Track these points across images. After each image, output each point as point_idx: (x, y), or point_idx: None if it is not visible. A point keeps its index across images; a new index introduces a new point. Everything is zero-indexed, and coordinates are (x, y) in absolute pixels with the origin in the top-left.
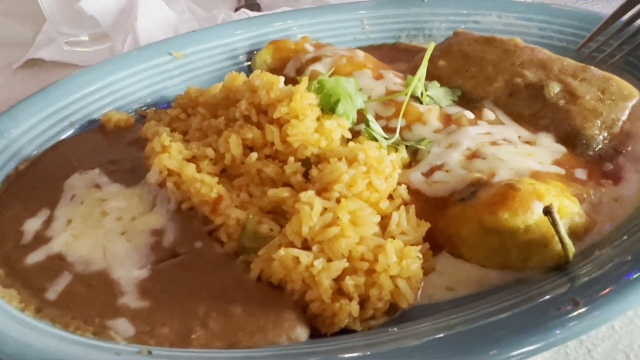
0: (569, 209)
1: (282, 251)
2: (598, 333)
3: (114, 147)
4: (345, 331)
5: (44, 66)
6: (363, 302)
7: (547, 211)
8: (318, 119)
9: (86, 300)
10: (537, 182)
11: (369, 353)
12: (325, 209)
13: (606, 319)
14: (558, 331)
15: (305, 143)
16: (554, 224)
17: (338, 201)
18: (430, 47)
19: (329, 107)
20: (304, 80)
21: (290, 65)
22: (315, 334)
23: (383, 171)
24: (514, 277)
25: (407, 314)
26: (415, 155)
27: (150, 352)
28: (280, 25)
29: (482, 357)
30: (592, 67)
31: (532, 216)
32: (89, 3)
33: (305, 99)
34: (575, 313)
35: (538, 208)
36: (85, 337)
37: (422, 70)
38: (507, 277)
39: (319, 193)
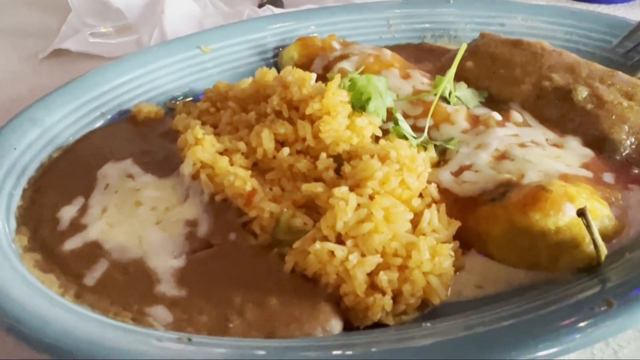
0: (599, 212)
1: (317, 245)
2: (625, 335)
3: (145, 138)
4: (377, 325)
5: (70, 57)
6: (396, 297)
7: (581, 213)
8: (349, 116)
9: (124, 287)
10: (567, 185)
11: (403, 347)
12: (359, 204)
13: (638, 321)
14: (590, 329)
15: (337, 139)
16: (587, 225)
17: (371, 198)
18: (462, 48)
19: (360, 105)
20: (337, 78)
21: (318, 62)
22: (348, 327)
23: (415, 169)
24: (543, 277)
25: (437, 310)
26: (443, 155)
27: (190, 340)
28: (307, 23)
29: (521, 354)
30: (620, 73)
31: (563, 217)
32: None
33: (337, 96)
34: (609, 313)
35: (569, 210)
36: (125, 323)
37: (452, 71)
38: (536, 277)
39: (351, 189)
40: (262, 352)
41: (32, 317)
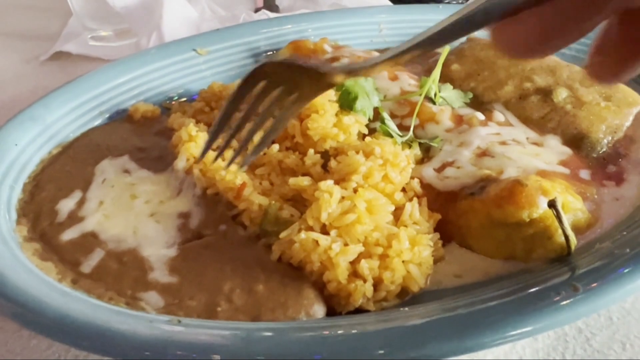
0: (573, 205)
1: (302, 234)
2: (597, 323)
3: (141, 136)
4: (359, 311)
5: (70, 59)
6: (376, 284)
7: (551, 204)
8: (337, 114)
9: (118, 275)
10: (543, 179)
11: (380, 329)
12: (343, 197)
13: (604, 304)
14: (556, 314)
15: (324, 137)
16: (557, 216)
17: (355, 191)
18: (445, 51)
19: (347, 104)
20: None
21: None
22: (331, 312)
23: (398, 165)
24: (518, 267)
25: (417, 298)
26: (427, 152)
27: (179, 322)
28: (300, 26)
29: (494, 334)
30: None
31: (537, 210)
32: (115, 0)
33: (325, 96)
34: (574, 298)
35: (543, 202)
36: (119, 306)
37: (437, 72)
38: (512, 267)
39: (337, 183)
40: (241, 333)
41: (33, 301)
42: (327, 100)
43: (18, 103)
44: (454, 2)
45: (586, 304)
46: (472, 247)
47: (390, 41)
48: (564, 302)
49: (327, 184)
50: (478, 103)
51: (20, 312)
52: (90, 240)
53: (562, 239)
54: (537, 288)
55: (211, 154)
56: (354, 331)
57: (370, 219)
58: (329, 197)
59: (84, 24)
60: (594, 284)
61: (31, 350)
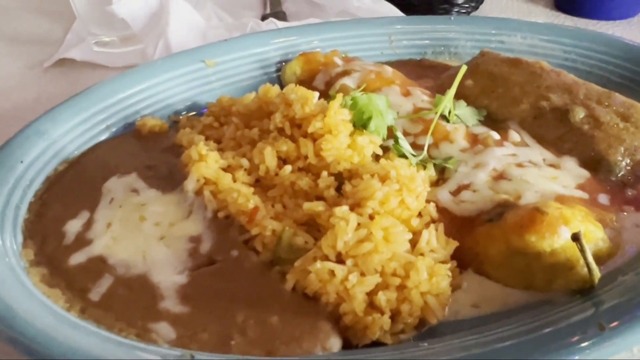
0: (594, 235)
1: (318, 264)
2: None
3: (149, 152)
4: (376, 344)
5: (74, 66)
6: (394, 316)
7: (575, 237)
8: (351, 134)
9: (128, 303)
10: (563, 207)
11: None
12: (359, 224)
13: (630, 344)
14: (583, 354)
15: (338, 158)
16: (581, 250)
17: (371, 217)
18: (462, 69)
19: (361, 124)
20: (338, 97)
21: (320, 77)
22: (347, 345)
23: (415, 189)
24: (537, 298)
25: (434, 329)
26: (442, 174)
27: (192, 357)
28: (309, 37)
29: None
30: (616, 94)
31: (558, 240)
32: (120, 6)
33: (339, 115)
34: (600, 337)
35: (564, 232)
36: (130, 339)
37: (452, 91)
38: (531, 298)
39: (352, 208)
40: None
41: (39, 333)
42: (341, 120)
43: (21, 112)
44: (464, 12)
45: (613, 345)
46: (490, 275)
47: (400, 53)
48: (590, 342)
49: (343, 210)
50: (492, 121)
51: (29, 346)
52: (99, 264)
53: (585, 270)
54: (560, 325)
55: (224, 174)
56: None
57: (387, 248)
58: (345, 224)
59: (89, 29)
60: (621, 323)
61: None
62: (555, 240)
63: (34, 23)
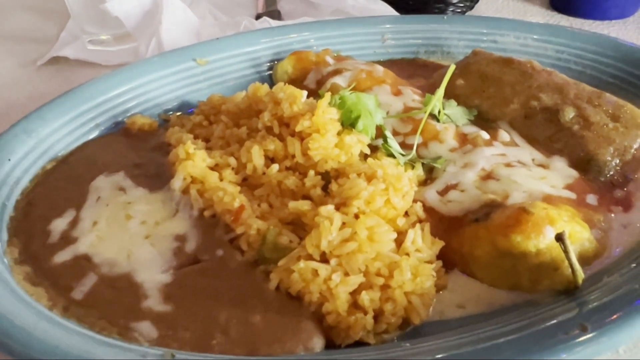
0: (580, 235)
1: (301, 263)
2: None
3: (138, 150)
4: (359, 344)
5: (68, 64)
6: (377, 316)
7: (559, 238)
8: (339, 133)
9: (111, 302)
10: (549, 207)
11: None
12: (344, 223)
13: (613, 345)
14: (564, 355)
15: (325, 157)
16: (565, 250)
17: (356, 216)
18: (451, 69)
19: (349, 123)
20: (327, 96)
21: (311, 76)
22: (330, 345)
23: (401, 189)
24: (523, 298)
25: (418, 329)
26: (430, 173)
27: (173, 356)
28: (302, 36)
29: None
30: (607, 94)
31: (544, 240)
32: (114, 4)
33: (327, 114)
34: (582, 338)
35: (550, 233)
36: (111, 337)
37: (441, 90)
38: (516, 298)
39: (337, 207)
40: None
41: (20, 332)
42: (329, 119)
43: (13, 110)
44: (459, 12)
45: (595, 344)
46: (476, 276)
47: (393, 52)
48: (572, 342)
49: (328, 209)
50: (482, 120)
51: (8, 345)
52: (83, 263)
53: (570, 271)
54: (543, 326)
55: (211, 173)
56: None
57: (372, 248)
58: (329, 224)
59: (82, 28)
60: (604, 324)
61: None
62: (540, 240)
63: (28, 21)
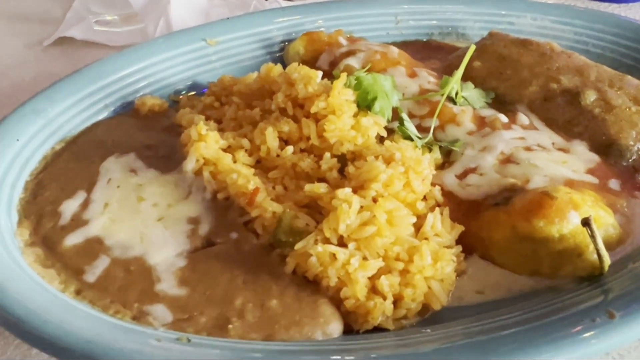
0: (604, 220)
1: (319, 247)
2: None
3: (148, 131)
4: (377, 329)
5: (74, 44)
6: (396, 301)
7: (586, 223)
8: (354, 115)
9: (125, 285)
10: (573, 191)
11: (402, 353)
12: (362, 207)
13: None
14: (593, 341)
15: (341, 139)
16: (592, 235)
17: (374, 200)
18: (471, 49)
19: (365, 104)
20: (342, 76)
21: (324, 57)
22: (348, 330)
23: (421, 172)
24: (543, 284)
25: (438, 315)
26: (448, 157)
27: (189, 340)
28: (314, 17)
29: None
30: (629, 76)
31: (567, 225)
32: None
33: (343, 95)
34: (610, 325)
35: (574, 218)
36: (125, 321)
37: (460, 72)
38: (537, 284)
39: (355, 190)
40: (259, 355)
41: (32, 314)
42: (345, 101)
43: (19, 91)
44: None
45: (622, 332)
46: (495, 261)
47: (407, 33)
48: (599, 330)
49: (345, 192)
50: (500, 103)
51: (20, 327)
52: (95, 246)
53: (594, 256)
54: (568, 312)
55: (224, 155)
56: (373, 355)
57: (391, 232)
58: (348, 207)
59: (89, 8)
60: (631, 311)
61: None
62: (564, 225)
63: (34, 1)
